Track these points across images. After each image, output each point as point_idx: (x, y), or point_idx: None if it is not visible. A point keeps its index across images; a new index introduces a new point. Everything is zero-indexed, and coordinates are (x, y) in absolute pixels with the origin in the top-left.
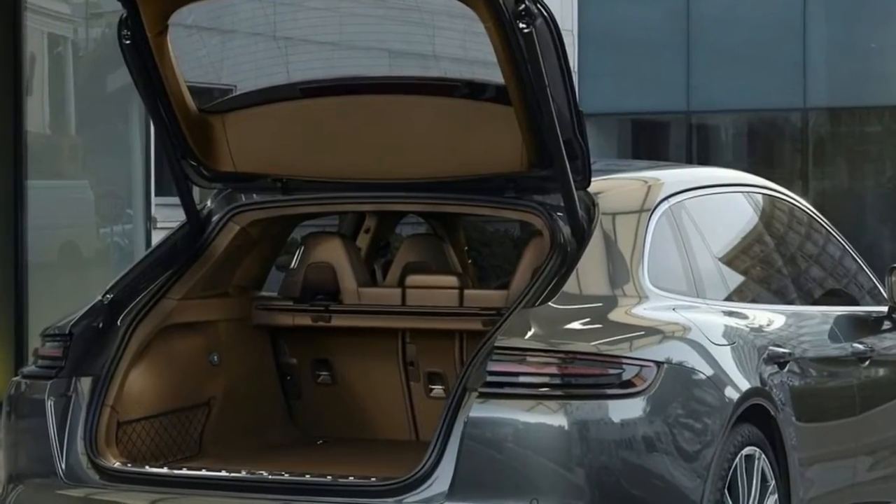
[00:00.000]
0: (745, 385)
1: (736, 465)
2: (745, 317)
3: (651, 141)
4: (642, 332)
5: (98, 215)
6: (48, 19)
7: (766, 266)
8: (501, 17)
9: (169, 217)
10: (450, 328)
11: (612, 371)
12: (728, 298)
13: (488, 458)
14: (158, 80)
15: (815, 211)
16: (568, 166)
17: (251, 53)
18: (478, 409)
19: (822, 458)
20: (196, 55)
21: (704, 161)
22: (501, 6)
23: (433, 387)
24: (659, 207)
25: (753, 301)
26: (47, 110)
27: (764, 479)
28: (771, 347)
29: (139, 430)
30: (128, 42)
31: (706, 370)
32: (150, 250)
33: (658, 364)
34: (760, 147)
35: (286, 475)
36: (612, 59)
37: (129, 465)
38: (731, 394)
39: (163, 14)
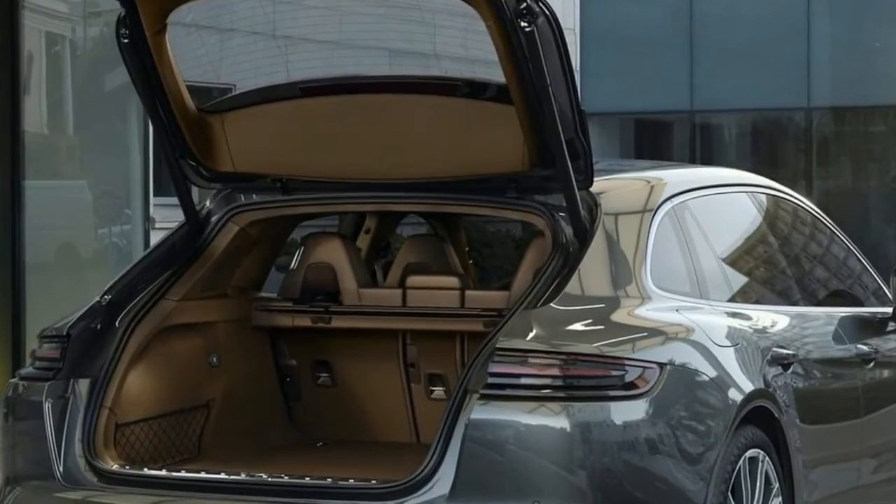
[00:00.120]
0: (748, 387)
1: (739, 468)
2: (748, 318)
3: (654, 140)
4: (645, 334)
5: (96, 216)
6: (46, 18)
7: (769, 267)
8: (503, 15)
9: (167, 217)
10: (451, 329)
11: (614, 373)
12: (731, 299)
13: (490, 461)
14: (157, 80)
15: (819, 211)
16: (570, 166)
17: (250, 52)
18: (479, 411)
19: (827, 461)
20: (195, 54)
21: (708, 161)
22: (503, 4)
23: (434, 388)
24: (662, 208)
25: (757, 302)
26: (45, 110)
27: (768, 482)
28: (775, 349)
29: (137, 432)
30: (126, 41)
31: (709, 372)
32: (148, 251)
33: (661, 366)
34: (764, 147)
35: (286, 478)
36: (614, 57)
37: (128, 467)
38: (735, 396)
39: (161, 13)
